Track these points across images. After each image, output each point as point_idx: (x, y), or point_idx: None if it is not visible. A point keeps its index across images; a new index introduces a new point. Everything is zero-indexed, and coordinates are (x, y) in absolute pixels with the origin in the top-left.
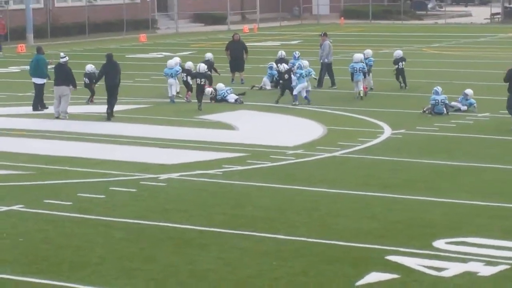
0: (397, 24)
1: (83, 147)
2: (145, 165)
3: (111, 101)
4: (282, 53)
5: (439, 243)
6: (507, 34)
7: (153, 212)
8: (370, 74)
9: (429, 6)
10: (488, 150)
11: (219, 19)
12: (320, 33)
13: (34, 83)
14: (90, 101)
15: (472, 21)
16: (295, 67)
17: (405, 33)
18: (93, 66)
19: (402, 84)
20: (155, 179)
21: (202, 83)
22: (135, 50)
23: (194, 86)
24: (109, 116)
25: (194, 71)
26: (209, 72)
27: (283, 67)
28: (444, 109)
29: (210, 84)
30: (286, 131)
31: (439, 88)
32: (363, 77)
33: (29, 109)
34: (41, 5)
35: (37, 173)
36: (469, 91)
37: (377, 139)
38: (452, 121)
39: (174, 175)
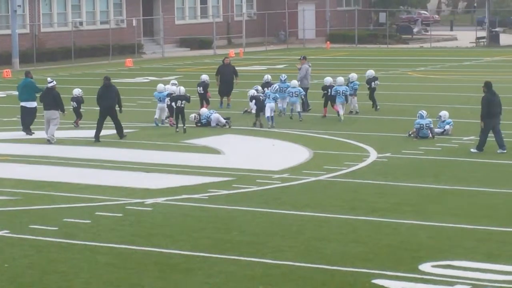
0: (383, 48)
1: (68, 172)
2: (130, 189)
3: (116, 122)
4: (268, 77)
5: (426, 267)
6: (492, 58)
7: (138, 237)
8: (355, 97)
9: (415, 30)
10: (474, 174)
11: (205, 44)
12: (300, 57)
13: (22, 106)
14: (76, 123)
15: (458, 45)
16: (271, 88)
17: (391, 57)
18: (80, 90)
19: (374, 105)
20: (141, 203)
21: (182, 105)
22: (121, 75)
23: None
24: (121, 136)
25: (174, 94)
26: (189, 95)
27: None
28: (429, 132)
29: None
30: (272, 155)
31: (423, 112)
32: (344, 100)
33: (14, 134)
34: (27, 30)
35: (22, 198)
36: (443, 113)
37: (363, 162)
38: (438, 144)
39: (160, 200)
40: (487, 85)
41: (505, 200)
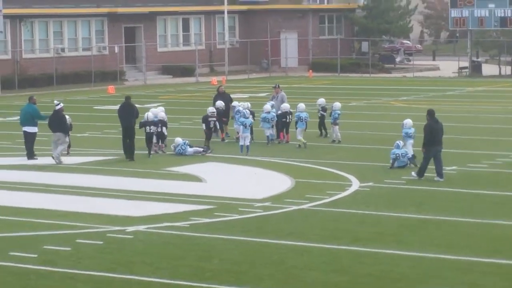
0: (366, 77)
1: (49, 199)
2: (112, 217)
3: (129, 143)
4: (246, 104)
5: None
6: (474, 88)
7: (119, 265)
8: (337, 126)
9: (398, 59)
10: (456, 204)
11: (188, 71)
12: (274, 85)
13: (25, 131)
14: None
15: (440, 75)
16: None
17: (374, 86)
18: (69, 118)
19: (323, 132)
20: (122, 231)
21: (151, 131)
22: (103, 102)
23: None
24: (130, 158)
25: (149, 120)
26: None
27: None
28: (408, 161)
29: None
30: (254, 183)
31: (400, 142)
32: (305, 126)
33: None
34: (9, 56)
35: (2, 225)
36: (407, 121)
37: (345, 192)
38: None
39: (141, 227)
40: (430, 113)
41: (486, 231)
